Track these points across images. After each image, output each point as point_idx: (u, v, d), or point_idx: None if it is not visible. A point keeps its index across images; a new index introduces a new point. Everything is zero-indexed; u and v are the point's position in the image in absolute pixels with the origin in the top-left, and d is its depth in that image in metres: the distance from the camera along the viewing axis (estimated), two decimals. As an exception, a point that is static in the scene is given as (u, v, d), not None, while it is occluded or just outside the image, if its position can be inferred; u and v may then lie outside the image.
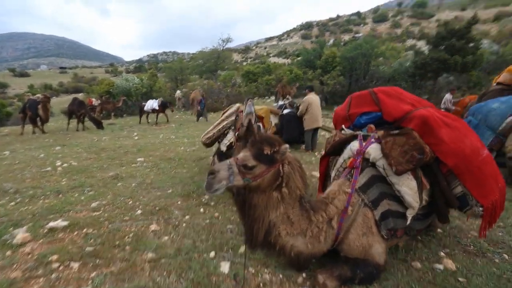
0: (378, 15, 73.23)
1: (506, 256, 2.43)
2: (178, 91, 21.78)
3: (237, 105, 4.79)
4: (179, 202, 3.69)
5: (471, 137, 2.15)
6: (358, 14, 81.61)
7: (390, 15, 72.20)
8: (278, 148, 1.90)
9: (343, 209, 2.08)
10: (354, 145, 2.33)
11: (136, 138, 9.23)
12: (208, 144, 4.61)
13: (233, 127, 4.41)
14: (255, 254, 2.43)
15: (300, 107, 6.72)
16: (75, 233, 2.90)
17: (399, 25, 62.47)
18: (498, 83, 4.85)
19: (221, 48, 25.94)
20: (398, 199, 2.14)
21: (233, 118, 4.51)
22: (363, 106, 2.52)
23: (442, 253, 2.47)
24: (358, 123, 2.56)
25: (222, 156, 4.53)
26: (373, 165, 2.21)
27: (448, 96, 9.29)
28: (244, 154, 1.96)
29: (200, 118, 13.42)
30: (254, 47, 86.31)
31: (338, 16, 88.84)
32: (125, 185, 4.45)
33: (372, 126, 2.39)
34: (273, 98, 24.12)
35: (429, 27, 58.04)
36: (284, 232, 2.01)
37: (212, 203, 3.64)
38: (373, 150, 2.19)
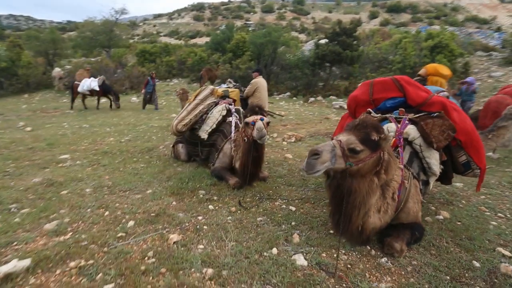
0: (266, 5, 78.37)
1: (464, 202, 3.31)
2: (57, 69, 17.25)
3: (211, 87, 4.33)
4: (174, 203, 3.10)
5: (467, 118, 2.76)
6: (248, 2, 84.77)
7: (275, 7, 78.56)
8: (384, 134, 1.91)
9: (401, 182, 2.31)
10: (391, 126, 2.58)
11: (29, 129, 6.91)
12: (183, 132, 4.00)
13: (213, 114, 3.98)
14: (311, 238, 2.40)
15: (247, 89, 6.64)
16: (57, 272, 2.02)
17: (284, 17, 68.98)
18: (418, 75, 6.25)
19: (115, 20, 21.71)
20: (424, 169, 2.56)
21: (209, 101, 4.07)
22: (388, 92, 2.79)
23: (432, 208, 3.12)
24: (384, 107, 2.83)
25: (193, 144, 4.06)
26: (409, 143, 2.53)
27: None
28: (348, 138, 1.87)
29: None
30: (141, 24, 76.84)
31: (229, 1, 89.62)
32: (75, 192, 3.36)
33: (403, 109, 2.69)
34: (175, 81, 22.67)
35: (307, 22, 66.74)
36: (371, 214, 2.07)
37: (215, 198, 3.25)
38: (412, 131, 2.50)
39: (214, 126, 3.93)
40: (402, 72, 15.84)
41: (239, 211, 2.94)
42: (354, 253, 2.25)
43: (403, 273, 2.05)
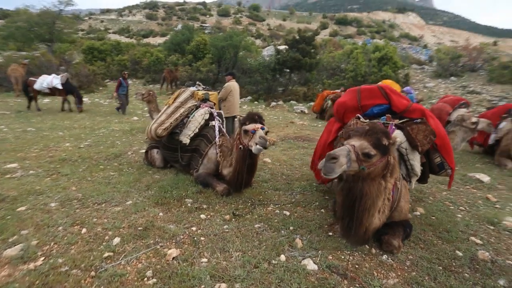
0: (222, 9, 78.42)
1: (431, 198, 3.68)
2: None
3: (191, 89, 4.15)
4: (161, 214, 2.87)
5: (440, 124, 3.09)
6: (204, 4, 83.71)
7: (232, 12, 79.03)
8: (393, 140, 2.01)
9: (394, 183, 2.48)
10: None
11: (-44, 133, 5.79)
12: (163, 136, 3.74)
13: (195, 117, 3.81)
14: (313, 242, 2.42)
15: (221, 93, 6.51)
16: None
17: (240, 22, 69.74)
18: None
19: (58, 12, 19.28)
20: (408, 171, 2.79)
21: (190, 104, 3.89)
22: (375, 99, 2.98)
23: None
24: (371, 113, 3.01)
25: (172, 149, 3.84)
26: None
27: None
28: (362, 143, 1.94)
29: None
30: (86, 18, 70.26)
31: (184, 2, 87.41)
32: (37, 207, 2.90)
33: (389, 116, 2.89)
34: (129, 82, 21.21)
35: (263, 29, 68.40)
36: (375, 215, 2.17)
37: (205, 206, 3.10)
38: (399, 135, 2.70)
39: (197, 130, 3.75)
40: (355, 80, 17.21)
41: (233, 219, 2.84)
42: (356, 254, 2.33)
43: (404, 268, 2.19)
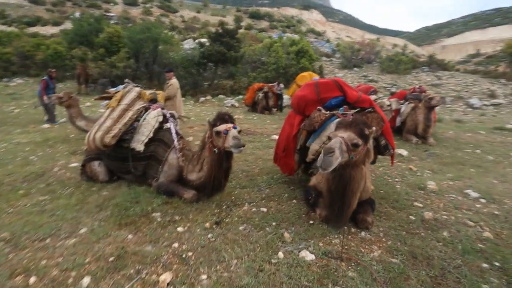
0: (128, -3, 70.66)
1: (373, 175, 4.28)
2: None
3: (137, 89, 3.70)
4: (130, 236, 2.51)
5: (381, 110, 3.57)
6: (105, -10, 73.60)
7: (140, 1, 72.06)
8: (372, 129, 2.22)
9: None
10: (342, 121, 3.02)
11: None
12: (111, 145, 3.22)
13: (147, 120, 3.42)
14: (300, 233, 2.54)
15: (169, 91, 6.00)
16: None
17: (151, 13, 64.37)
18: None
19: None
20: None
21: (138, 106, 3.49)
22: (333, 92, 3.24)
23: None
24: (329, 104, 3.25)
25: (120, 159, 3.41)
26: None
27: (281, 85, 12.25)
28: (349, 134, 2.09)
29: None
30: None
31: (80, -14, 74.98)
32: None
33: (347, 106, 3.19)
34: (19, 81, 17.37)
35: (176, 20, 64.96)
36: (357, 198, 2.39)
37: (177, 217, 2.85)
38: (365, 120, 3.02)
39: (151, 134, 3.37)
40: (277, 72, 18.23)
41: (214, 226, 2.71)
42: (340, 235, 2.55)
43: (381, 240, 2.51)
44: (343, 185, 2.24)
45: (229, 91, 17.27)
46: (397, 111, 7.19)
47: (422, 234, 2.63)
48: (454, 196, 3.55)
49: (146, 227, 2.66)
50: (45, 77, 8.15)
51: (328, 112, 3.17)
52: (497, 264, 2.24)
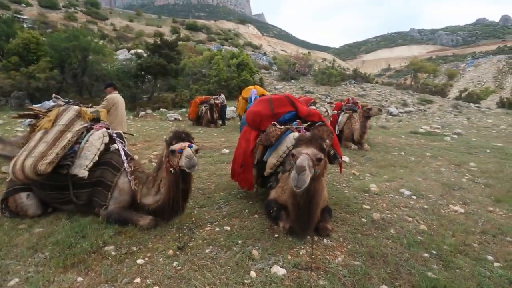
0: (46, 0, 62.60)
1: (338, 185, 4.61)
2: None
3: (75, 107, 3.30)
4: (80, 279, 2.18)
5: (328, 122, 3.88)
6: (14, -11, 63.85)
7: (61, 4, 64.58)
8: (327, 142, 2.37)
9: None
10: (295, 135, 3.19)
11: None
12: (47, 173, 2.77)
13: (90, 142, 3.07)
14: (267, 248, 2.56)
15: (103, 105, 5.42)
16: None
17: (75, 18, 58.30)
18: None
19: None
20: None
21: (78, 127, 3.13)
22: (286, 107, 3.40)
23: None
24: (283, 119, 3.41)
25: (57, 188, 3.00)
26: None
27: (222, 96, 12.12)
28: (312, 150, 2.21)
29: None
30: None
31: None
32: None
33: (299, 121, 3.37)
34: None
35: (107, 29, 60.25)
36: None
37: (134, 248, 2.58)
38: (321, 135, 3.23)
39: (96, 158, 3.01)
40: (219, 84, 18.31)
41: (177, 252, 2.54)
42: (305, 246, 2.65)
43: (342, 244, 2.69)
44: (309, 198, 2.36)
45: (171, 104, 16.63)
46: (335, 118, 7.96)
47: (374, 234, 2.91)
48: (392, 195, 4.03)
49: (98, 264, 2.34)
50: None
51: (282, 126, 3.31)
52: (434, 252, 2.61)
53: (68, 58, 14.15)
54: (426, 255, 2.56)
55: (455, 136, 9.92)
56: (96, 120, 3.42)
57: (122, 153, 3.19)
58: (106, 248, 2.55)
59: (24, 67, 12.81)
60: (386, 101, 19.17)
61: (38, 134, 2.96)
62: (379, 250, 2.57)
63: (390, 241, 2.77)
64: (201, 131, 10.35)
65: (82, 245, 2.53)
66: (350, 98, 8.27)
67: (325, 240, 2.74)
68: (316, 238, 2.77)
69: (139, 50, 18.73)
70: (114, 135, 3.34)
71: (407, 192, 4.13)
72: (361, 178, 4.88)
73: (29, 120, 4.39)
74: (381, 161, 6.05)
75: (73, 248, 2.50)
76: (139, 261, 2.39)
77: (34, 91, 13.22)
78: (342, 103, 8.29)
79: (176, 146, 2.65)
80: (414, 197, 4.00)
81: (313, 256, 2.44)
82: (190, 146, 2.65)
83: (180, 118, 13.67)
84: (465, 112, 18.18)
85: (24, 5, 58.34)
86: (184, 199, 2.90)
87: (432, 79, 28.93)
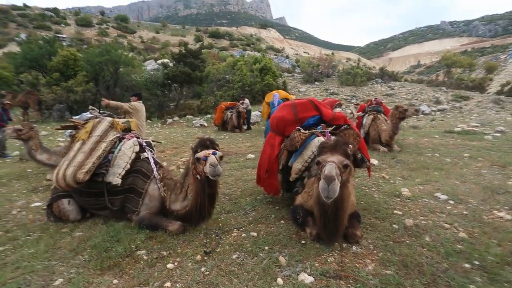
0: (81, 18, 67.59)
1: (367, 189, 4.46)
2: None
3: (109, 119, 3.51)
4: (115, 281, 2.29)
5: (354, 126, 3.78)
6: (55, 11, 69.93)
7: (95, 22, 69.57)
8: (351, 147, 2.32)
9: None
10: (320, 139, 3.14)
11: None
12: (84, 181, 2.97)
13: (123, 151, 3.24)
14: (294, 255, 2.53)
15: (127, 106, 5.77)
16: None
17: (107, 34, 62.40)
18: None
19: None
20: None
21: (112, 137, 3.32)
22: (310, 111, 3.37)
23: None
24: (308, 124, 3.37)
25: (93, 195, 3.18)
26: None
27: (246, 101, 12.18)
28: (338, 157, 2.16)
29: None
30: None
31: (26, 6, 70.39)
32: None
33: (324, 125, 3.32)
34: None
35: (135, 41, 63.66)
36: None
37: (165, 253, 2.67)
38: (345, 140, 3.15)
39: (128, 166, 3.18)
40: (243, 89, 18.53)
41: (206, 258, 2.59)
42: (334, 253, 2.58)
43: (372, 252, 2.59)
44: (336, 206, 2.30)
45: (197, 111, 17.11)
46: (360, 120, 7.70)
47: (407, 241, 2.77)
48: (426, 200, 3.81)
49: (132, 268, 2.45)
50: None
51: (307, 131, 3.27)
52: (476, 262, 2.42)
53: (101, 71, 15.12)
54: (467, 265, 2.38)
55: (498, 134, 9.15)
56: (127, 130, 3.61)
57: (152, 161, 3.33)
58: (138, 252, 2.67)
59: (64, 82, 13.88)
60: (417, 99, 18.23)
61: (77, 145, 3.18)
62: (413, 259, 2.43)
63: (425, 249, 2.61)
64: (227, 137, 10.51)
65: (117, 249, 2.67)
66: (373, 99, 7.97)
67: (354, 248, 2.65)
68: (344, 245, 2.69)
69: (166, 60, 19.55)
70: (144, 143, 3.50)
71: (443, 197, 3.88)
72: (391, 181, 4.67)
73: (69, 131, 4.74)
74: (413, 163, 5.74)
75: (108, 252, 2.64)
76: (169, 265, 2.47)
77: (73, 103, 14.27)
78: (365, 104, 8.02)
79: (201, 154, 2.71)
80: (452, 202, 3.75)
81: (341, 264, 2.37)
82: (214, 153, 2.70)
83: (206, 124, 13.99)
84: (509, 108, 16.74)
85: (63, 25, 63.54)
86: (211, 205, 2.96)
87: (468, 73, 27.10)
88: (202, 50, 21.25)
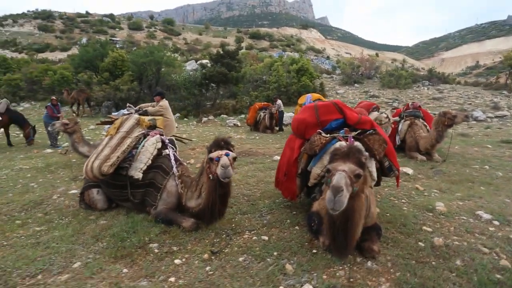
0: (133, 22, 73.47)
1: (379, 196, 4.13)
2: None
3: (136, 116, 3.70)
4: (125, 270, 2.41)
5: (383, 131, 3.50)
6: (111, 16, 76.96)
7: (144, 25, 74.95)
8: (366, 155, 2.14)
9: (366, 191, 2.67)
10: (342, 144, 2.95)
11: None
12: (109, 174, 3.17)
13: (146, 147, 3.39)
14: (302, 264, 2.40)
15: (153, 109, 6.05)
16: None
17: (155, 36, 66.76)
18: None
19: None
20: None
21: (137, 134, 3.48)
22: (332, 114, 3.20)
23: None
24: (330, 127, 3.21)
25: (118, 187, 3.34)
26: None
27: (279, 102, 12.18)
28: (349, 165, 2.01)
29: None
30: None
31: (88, 13, 78.59)
32: None
33: (347, 129, 3.13)
34: (26, 105, 17.82)
35: (179, 43, 67.06)
36: (361, 227, 2.28)
37: (175, 248, 2.74)
38: (359, 146, 2.95)
39: (150, 162, 3.33)
40: (278, 90, 18.39)
41: (213, 257, 2.59)
42: (345, 266, 2.41)
43: (389, 271, 2.36)
44: (345, 217, 2.13)
45: (232, 111, 17.42)
46: (396, 125, 7.13)
47: (433, 263, 2.48)
48: (465, 218, 3.39)
49: (142, 259, 2.55)
50: (48, 104, 8.32)
51: (328, 135, 3.11)
52: (517, 297, 2.07)
53: (145, 71, 16.16)
54: (504, 299, 2.05)
55: None
56: (152, 127, 3.78)
57: (172, 158, 3.44)
58: (151, 245, 2.77)
59: (112, 81, 15.11)
60: (470, 103, 16.44)
61: (106, 140, 3.42)
62: (436, 284, 2.16)
63: (453, 274, 2.31)
64: (257, 137, 10.53)
65: (131, 240, 2.81)
66: (410, 103, 7.33)
67: (369, 263, 2.45)
68: (358, 259, 2.49)
69: (205, 61, 20.24)
70: (167, 141, 3.63)
71: (487, 216, 3.41)
72: (425, 194, 4.25)
73: (107, 126, 5.12)
74: (455, 175, 5.17)
75: (124, 242, 2.78)
76: (177, 261, 2.52)
77: (119, 101, 15.46)
78: (402, 109, 7.43)
79: (214, 154, 2.72)
80: (496, 223, 3.28)
81: (352, 280, 2.20)
82: (227, 154, 2.69)
83: (239, 124, 14.18)
84: None
85: (117, 29, 69.42)
86: (223, 204, 2.96)
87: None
88: (241, 51, 21.62)
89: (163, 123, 4.20)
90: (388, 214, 3.48)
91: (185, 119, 16.09)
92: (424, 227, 3.11)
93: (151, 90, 17.38)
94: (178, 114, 16.63)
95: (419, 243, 2.78)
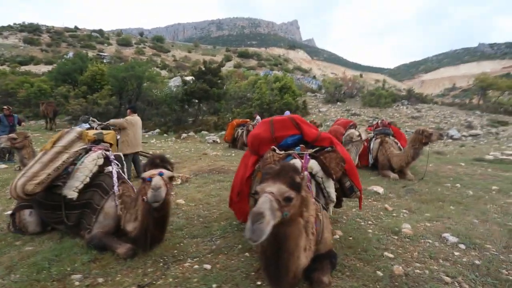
0: (122, 38, 73.69)
1: (345, 217, 3.91)
2: None
3: (78, 129, 3.37)
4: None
5: (344, 149, 3.31)
6: (100, 32, 77.02)
7: (133, 42, 75.25)
8: (303, 174, 1.90)
9: (315, 216, 2.42)
10: (296, 162, 2.73)
11: None
12: (35, 193, 2.80)
13: (84, 164, 3.05)
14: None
15: (119, 122, 5.73)
16: None
17: (143, 52, 66.95)
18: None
19: None
20: (324, 198, 2.84)
21: (77, 148, 3.15)
22: (288, 130, 2.99)
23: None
24: (285, 143, 2.99)
25: (52, 208, 2.98)
26: (313, 176, 2.75)
27: (258, 118, 12.04)
28: (279, 187, 1.75)
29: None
30: None
31: (76, 28, 78.41)
32: None
33: (303, 146, 2.92)
34: None
35: (168, 60, 67.43)
36: (301, 256, 2.00)
37: (100, 280, 2.36)
38: (314, 165, 2.73)
39: (88, 180, 2.98)
40: (261, 107, 18.42)
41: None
42: (290, 302, 2.11)
43: (338, 306, 2.07)
44: (276, 247, 1.84)
45: (213, 127, 17.21)
46: (367, 143, 7.04)
47: (390, 295, 2.21)
48: (430, 241, 3.17)
49: (59, 294, 2.16)
50: (0, 114, 7.85)
51: (282, 152, 2.89)
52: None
53: (125, 85, 15.86)
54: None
55: (538, 166, 7.98)
56: (97, 142, 3.46)
57: (115, 176, 3.11)
58: (73, 276, 2.38)
59: (90, 95, 14.70)
60: (446, 123, 16.91)
61: (39, 155, 3.06)
62: (388, 322, 1.89)
63: (409, 309, 2.05)
64: (233, 154, 10.25)
65: (50, 271, 2.41)
66: (380, 121, 7.34)
67: (315, 294, 2.15)
68: (306, 293, 2.20)
69: (189, 77, 20.17)
70: (112, 157, 3.31)
71: (453, 239, 3.21)
72: (394, 214, 4.05)
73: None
74: (426, 194, 5.03)
75: (41, 273, 2.39)
76: None
77: (96, 115, 14.97)
78: (372, 128, 7.40)
79: (146, 174, 2.43)
80: (462, 246, 3.08)
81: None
82: (160, 174, 2.40)
83: (218, 141, 13.90)
84: (555, 137, 14.88)
85: (106, 45, 69.33)
86: (159, 230, 2.63)
87: (509, 97, 24.90)
88: (228, 69, 21.77)
89: (113, 138, 3.87)
90: (350, 238, 3.22)
91: (165, 135, 15.70)
92: (386, 253, 2.86)
93: (131, 105, 17.06)
94: (158, 130, 16.25)
95: (378, 272, 2.52)
